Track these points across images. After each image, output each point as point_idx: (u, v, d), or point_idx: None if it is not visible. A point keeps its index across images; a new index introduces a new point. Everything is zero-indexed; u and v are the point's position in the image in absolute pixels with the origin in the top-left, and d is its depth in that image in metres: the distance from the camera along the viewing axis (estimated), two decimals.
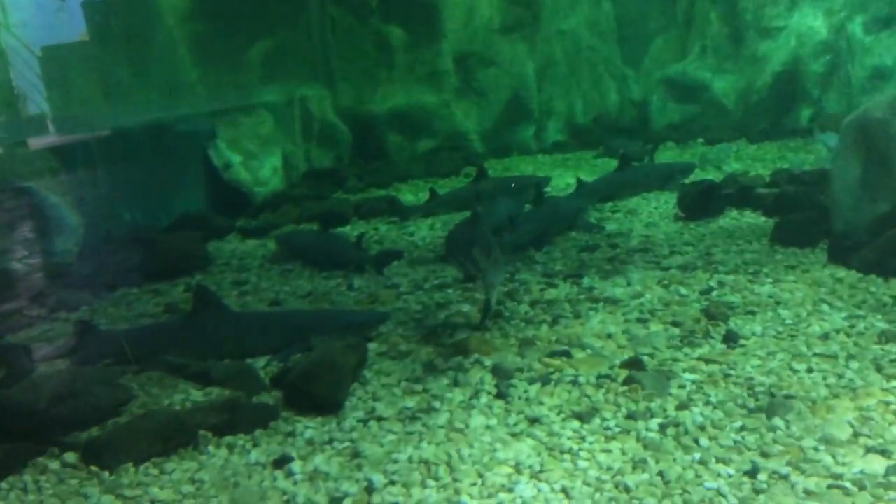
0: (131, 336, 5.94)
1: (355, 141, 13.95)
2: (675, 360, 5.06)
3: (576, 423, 4.33)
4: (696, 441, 4.07)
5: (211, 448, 4.34)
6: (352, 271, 7.63)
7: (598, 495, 3.67)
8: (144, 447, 4.25)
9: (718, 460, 3.89)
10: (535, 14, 14.83)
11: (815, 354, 4.96)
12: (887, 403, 4.29)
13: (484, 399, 4.72)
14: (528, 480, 3.83)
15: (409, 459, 4.10)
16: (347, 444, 4.32)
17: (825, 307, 5.73)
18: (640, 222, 8.82)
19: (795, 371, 4.75)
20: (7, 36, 12.45)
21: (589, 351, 5.30)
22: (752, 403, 4.40)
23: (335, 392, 4.76)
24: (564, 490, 3.72)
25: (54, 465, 4.28)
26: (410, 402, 4.75)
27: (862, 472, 3.69)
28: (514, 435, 4.28)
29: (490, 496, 3.74)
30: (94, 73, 12.35)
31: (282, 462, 4.15)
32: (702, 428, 4.18)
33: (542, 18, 15.03)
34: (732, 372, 4.80)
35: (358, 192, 12.12)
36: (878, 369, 4.69)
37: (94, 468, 4.19)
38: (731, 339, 5.26)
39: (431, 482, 3.88)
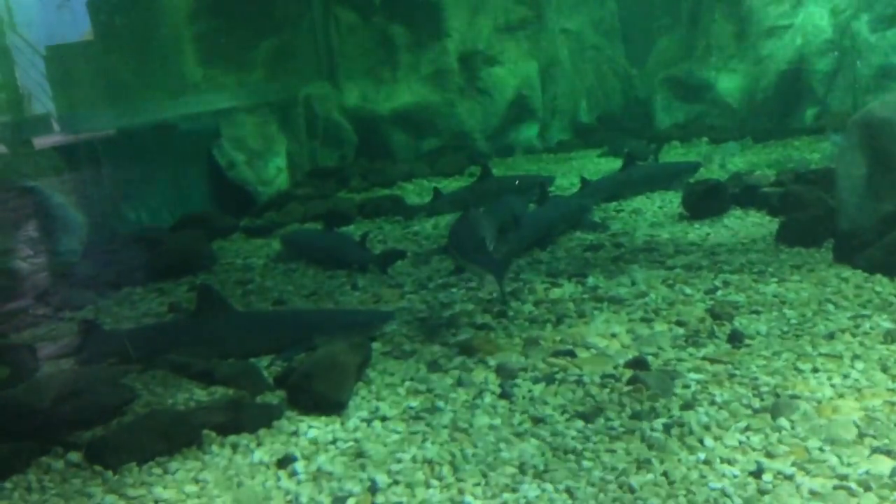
0: (135, 335, 5.96)
1: (359, 140, 13.93)
2: (680, 359, 5.05)
3: (580, 423, 4.33)
4: (701, 441, 4.06)
5: (215, 447, 4.34)
6: (356, 270, 7.62)
7: (602, 495, 3.66)
8: (148, 446, 4.26)
9: (723, 460, 3.87)
10: (539, 13, 14.80)
11: (821, 354, 4.94)
12: (893, 403, 4.27)
13: (488, 399, 4.72)
14: (532, 480, 3.83)
15: (413, 459, 4.10)
16: (351, 443, 4.31)
17: (830, 307, 5.71)
18: (645, 222, 8.80)
19: (800, 371, 4.74)
20: (12, 35, 12.46)
21: (593, 350, 5.30)
22: (757, 403, 4.38)
23: (339, 392, 4.76)
24: (569, 490, 3.71)
25: (58, 464, 4.28)
26: (414, 402, 4.75)
27: (867, 472, 3.67)
28: (518, 435, 4.27)
29: (494, 496, 3.73)
30: (98, 72, 12.36)
31: (285, 462, 4.15)
32: (706, 428, 4.17)
33: (547, 17, 15.00)
34: (737, 372, 4.79)
35: (362, 191, 12.10)
36: (884, 369, 4.67)
37: (97, 467, 4.19)
38: (735, 338, 5.25)
39: (435, 482, 3.88)
